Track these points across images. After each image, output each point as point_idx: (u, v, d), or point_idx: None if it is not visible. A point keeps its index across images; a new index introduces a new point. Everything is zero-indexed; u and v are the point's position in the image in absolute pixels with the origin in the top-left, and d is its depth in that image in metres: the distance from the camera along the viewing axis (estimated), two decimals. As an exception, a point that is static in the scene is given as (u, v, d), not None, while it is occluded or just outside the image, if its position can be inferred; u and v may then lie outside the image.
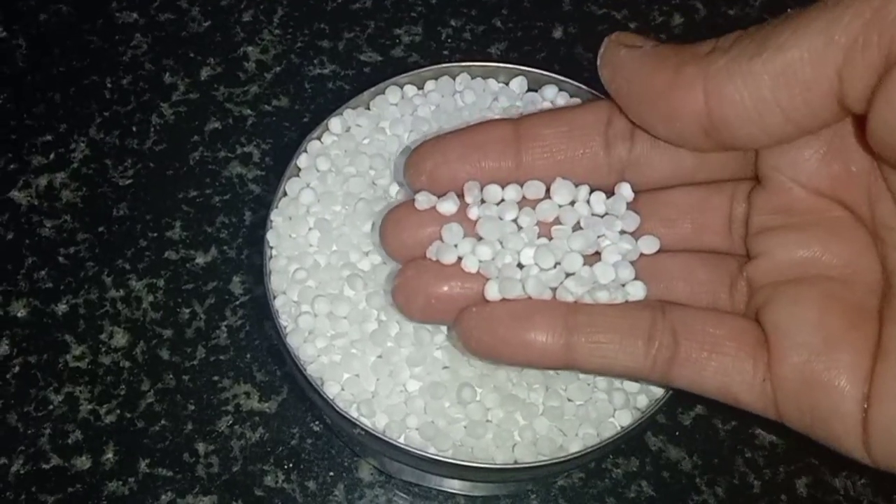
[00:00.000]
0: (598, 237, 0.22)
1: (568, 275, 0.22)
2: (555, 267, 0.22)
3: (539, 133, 0.22)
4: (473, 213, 0.22)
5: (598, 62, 0.21)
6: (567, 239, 0.22)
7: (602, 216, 0.23)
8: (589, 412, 0.24)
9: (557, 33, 0.41)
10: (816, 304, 0.20)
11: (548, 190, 0.22)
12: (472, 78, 0.28)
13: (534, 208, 0.22)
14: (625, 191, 0.22)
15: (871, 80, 0.17)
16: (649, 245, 0.22)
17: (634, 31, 0.41)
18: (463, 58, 0.39)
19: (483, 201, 0.22)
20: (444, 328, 0.25)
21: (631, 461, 0.32)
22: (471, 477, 0.26)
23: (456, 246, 0.22)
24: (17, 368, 0.33)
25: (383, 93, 0.28)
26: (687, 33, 0.41)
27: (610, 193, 0.23)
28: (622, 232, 0.22)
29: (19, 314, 0.34)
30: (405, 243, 0.23)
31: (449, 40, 0.40)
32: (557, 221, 0.22)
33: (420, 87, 0.28)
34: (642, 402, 0.25)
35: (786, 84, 0.18)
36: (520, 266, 0.22)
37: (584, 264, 0.22)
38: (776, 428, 0.33)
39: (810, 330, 0.20)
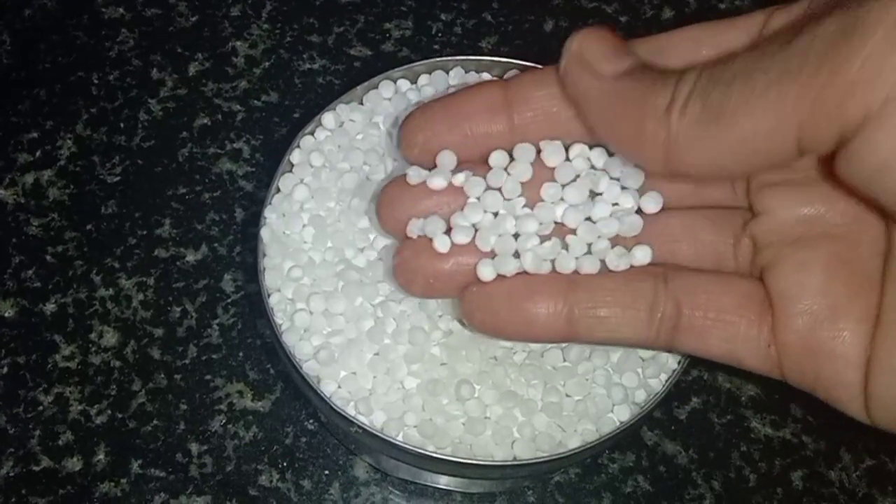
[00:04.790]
0: (597, 194, 0.22)
1: (566, 245, 0.22)
2: (549, 237, 0.22)
3: (530, 95, 0.22)
4: (459, 179, 0.22)
5: (561, 74, 0.20)
6: (562, 192, 0.22)
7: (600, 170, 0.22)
8: (588, 408, 0.24)
9: (548, 27, 0.41)
10: (821, 270, 0.20)
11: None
12: (466, 72, 0.28)
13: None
14: None
15: (830, 147, 0.17)
16: (653, 202, 0.22)
17: (624, 26, 0.41)
18: (456, 52, 0.39)
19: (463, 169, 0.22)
20: (441, 325, 0.24)
21: (627, 456, 0.32)
22: (470, 474, 0.25)
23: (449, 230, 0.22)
24: (5, 369, 0.33)
25: (376, 87, 0.28)
26: (678, 27, 0.40)
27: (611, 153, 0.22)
28: (623, 188, 0.22)
29: (7, 314, 0.33)
30: (401, 220, 0.22)
31: (439, 35, 0.40)
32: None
33: (413, 82, 0.28)
34: (640, 397, 0.25)
35: (744, 151, 0.18)
36: (515, 237, 0.22)
37: (586, 219, 0.22)
38: (772, 422, 0.33)
39: (815, 297, 0.20)
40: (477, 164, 0.22)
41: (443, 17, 0.41)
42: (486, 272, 0.21)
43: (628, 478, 0.32)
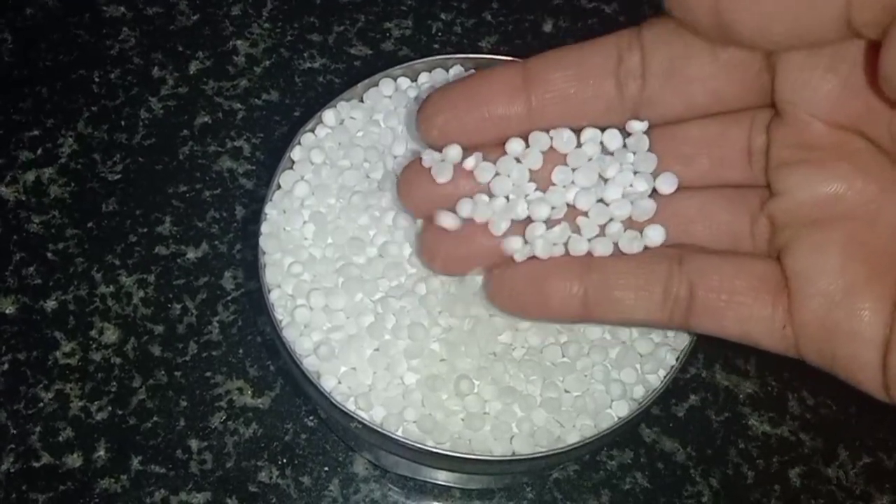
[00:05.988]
0: (607, 179, 0.22)
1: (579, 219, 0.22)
2: (561, 220, 0.22)
3: (548, 77, 0.22)
4: (469, 163, 0.23)
5: None
6: (572, 176, 0.22)
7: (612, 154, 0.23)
8: (586, 403, 0.24)
9: (548, 27, 0.41)
10: (838, 252, 0.20)
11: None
12: (466, 70, 0.28)
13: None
14: (636, 126, 0.22)
15: (879, 15, 0.16)
16: (668, 183, 0.22)
17: (623, 26, 0.41)
18: (456, 51, 0.39)
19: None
20: (441, 321, 0.25)
21: (625, 453, 0.32)
22: (469, 469, 0.26)
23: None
24: (6, 366, 0.33)
25: (377, 85, 0.28)
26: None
27: (628, 134, 0.23)
28: (636, 172, 0.22)
29: (8, 311, 0.34)
30: (419, 201, 0.23)
31: (439, 34, 0.40)
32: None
33: (414, 80, 0.28)
34: (639, 393, 0.25)
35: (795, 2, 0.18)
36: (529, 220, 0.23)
37: (599, 202, 0.22)
38: (770, 419, 0.33)
39: (831, 279, 0.20)
40: (495, 146, 0.23)
41: (443, 16, 0.41)
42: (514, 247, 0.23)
43: (626, 475, 0.32)
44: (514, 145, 0.22)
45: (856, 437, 0.33)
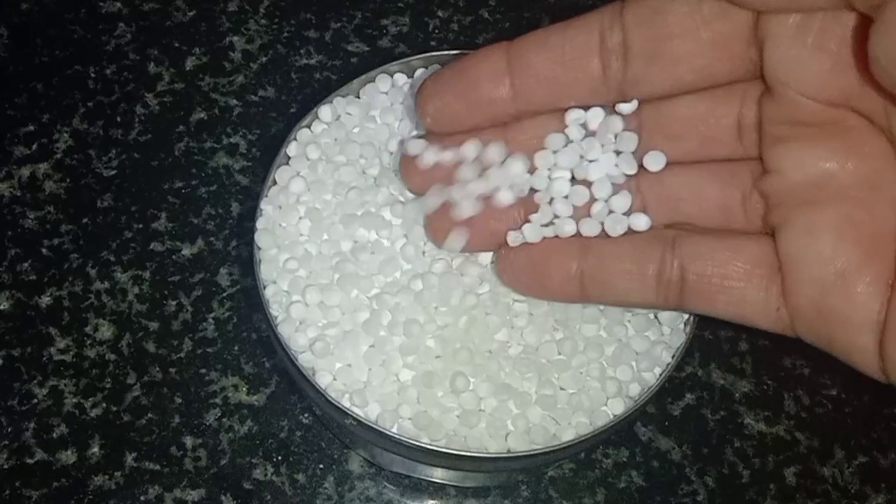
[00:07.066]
0: (590, 161, 0.23)
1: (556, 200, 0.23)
2: (550, 202, 0.23)
3: (531, 61, 0.22)
4: (469, 150, 0.24)
5: None
6: (553, 158, 0.23)
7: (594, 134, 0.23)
8: (582, 401, 0.24)
9: (545, 24, 0.41)
10: (832, 235, 0.20)
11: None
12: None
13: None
14: (625, 108, 0.22)
15: None
16: (656, 161, 0.22)
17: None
18: (453, 48, 0.39)
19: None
20: (437, 319, 0.25)
21: (621, 451, 0.32)
22: (464, 466, 0.25)
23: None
24: (0, 362, 0.32)
25: (373, 81, 0.28)
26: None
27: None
28: (618, 152, 0.23)
29: (2, 307, 0.33)
30: (419, 183, 0.24)
31: (436, 31, 0.40)
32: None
33: (410, 76, 0.28)
34: (634, 390, 0.25)
35: None
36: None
37: (575, 185, 0.23)
38: (766, 418, 0.33)
39: (824, 264, 0.20)
40: (486, 129, 0.23)
41: (440, 13, 0.41)
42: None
43: (622, 473, 0.32)
44: (470, 148, 0.23)
45: (851, 437, 0.33)
